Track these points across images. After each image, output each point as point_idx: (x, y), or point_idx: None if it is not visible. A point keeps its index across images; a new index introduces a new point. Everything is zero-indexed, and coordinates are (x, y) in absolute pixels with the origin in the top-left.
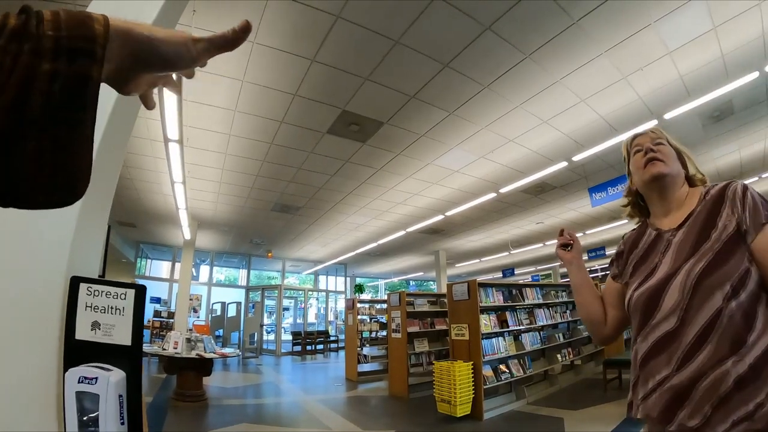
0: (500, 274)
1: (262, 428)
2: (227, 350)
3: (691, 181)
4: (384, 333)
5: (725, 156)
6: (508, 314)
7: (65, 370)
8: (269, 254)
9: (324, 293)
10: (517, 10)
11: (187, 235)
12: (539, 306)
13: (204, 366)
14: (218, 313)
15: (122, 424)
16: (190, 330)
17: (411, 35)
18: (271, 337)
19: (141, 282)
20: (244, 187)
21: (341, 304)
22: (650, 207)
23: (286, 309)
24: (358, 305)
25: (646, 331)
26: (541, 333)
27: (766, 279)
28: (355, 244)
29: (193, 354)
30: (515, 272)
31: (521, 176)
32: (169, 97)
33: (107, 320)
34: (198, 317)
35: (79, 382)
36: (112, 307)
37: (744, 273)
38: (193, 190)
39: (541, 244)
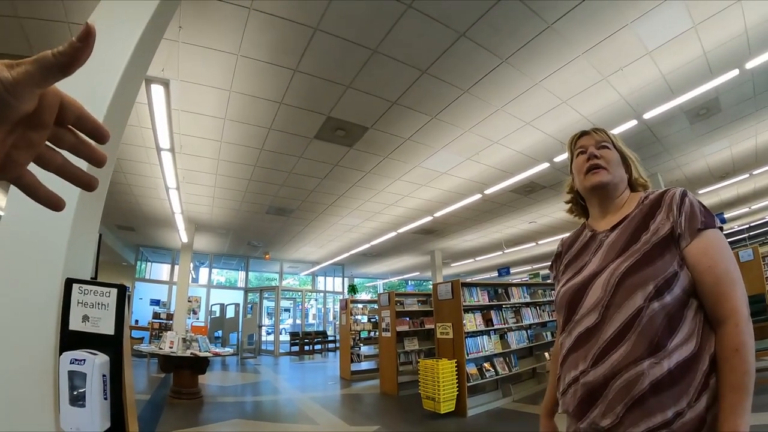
0: (496, 273)
1: (254, 424)
2: (223, 350)
3: (633, 185)
4: (376, 333)
5: (716, 153)
6: (493, 313)
7: (60, 354)
8: (267, 256)
9: (322, 294)
10: (490, 16)
11: (185, 239)
12: (526, 305)
13: (199, 364)
14: (217, 314)
15: (105, 399)
16: (188, 331)
17: (388, 44)
18: (271, 338)
19: (140, 284)
20: (239, 191)
21: (339, 305)
22: (589, 209)
23: (286, 310)
24: (354, 305)
25: (571, 326)
26: (529, 331)
27: (698, 284)
28: (350, 245)
29: (188, 353)
30: (510, 271)
31: (508, 176)
32: (159, 107)
33: (95, 314)
34: (197, 319)
35: (70, 363)
36: (98, 303)
37: (671, 276)
38: (188, 195)
39: (534, 243)
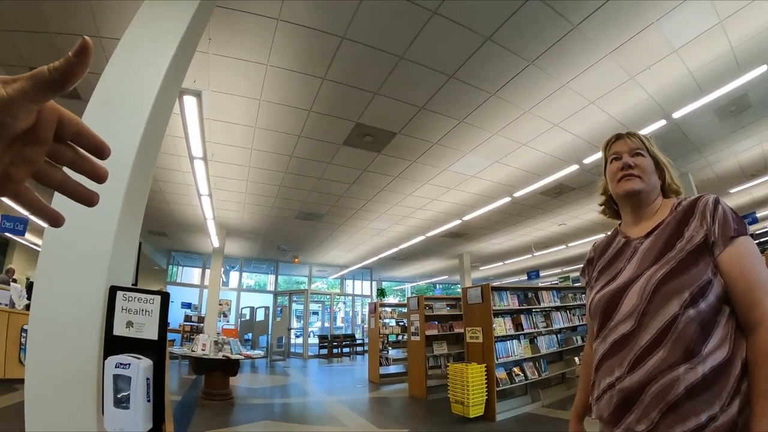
0: (525, 277)
1: (283, 426)
2: (253, 353)
3: (665, 191)
4: (406, 337)
5: (747, 150)
6: (523, 317)
7: (105, 358)
8: (296, 260)
9: (350, 297)
10: (515, 19)
11: (216, 243)
12: (556, 309)
13: (230, 367)
14: (247, 317)
15: (148, 401)
16: (218, 333)
17: (414, 50)
18: (299, 340)
19: (172, 288)
20: (269, 197)
21: (367, 308)
22: (622, 214)
23: (315, 313)
24: (382, 309)
25: (605, 332)
26: (559, 336)
27: (730, 291)
28: (378, 248)
29: (220, 355)
30: (540, 274)
31: (537, 179)
32: (191, 118)
33: (139, 320)
34: (227, 321)
35: (115, 367)
36: (142, 310)
37: (705, 284)
38: (219, 201)
39: (564, 246)
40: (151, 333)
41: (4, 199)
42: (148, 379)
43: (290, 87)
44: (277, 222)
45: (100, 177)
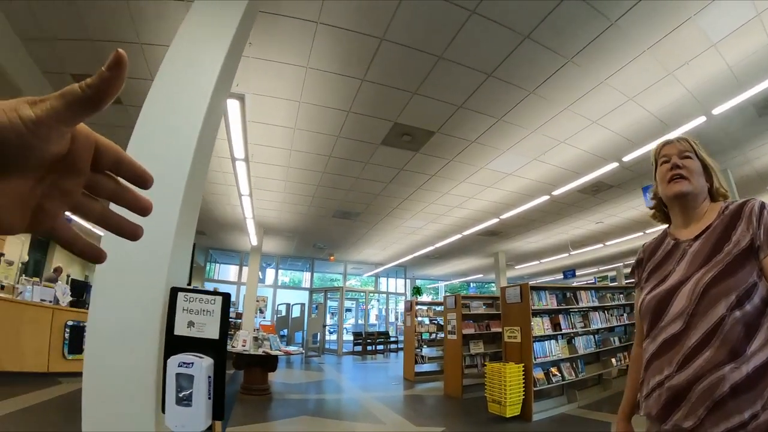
0: (561, 276)
1: (321, 421)
2: (291, 349)
3: (713, 195)
4: (442, 335)
5: None
6: (561, 317)
7: (166, 358)
8: (331, 258)
9: (384, 295)
10: (553, 16)
11: (254, 242)
12: (594, 309)
13: (270, 362)
14: (283, 313)
15: (210, 399)
16: (257, 330)
17: (453, 50)
18: (334, 337)
19: (209, 285)
20: (306, 197)
21: (401, 306)
22: (672, 217)
23: (348, 310)
24: (417, 307)
25: (655, 332)
26: (596, 336)
27: None
28: (413, 247)
29: (260, 351)
30: (576, 273)
31: (575, 176)
32: (234, 121)
33: (200, 320)
34: (264, 318)
35: (178, 366)
36: (204, 310)
37: (751, 286)
38: (259, 200)
39: (602, 245)
40: (213, 332)
41: None
42: (209, 377)
43: (330, 89)
44: (314, 221)
45: (144, 209)
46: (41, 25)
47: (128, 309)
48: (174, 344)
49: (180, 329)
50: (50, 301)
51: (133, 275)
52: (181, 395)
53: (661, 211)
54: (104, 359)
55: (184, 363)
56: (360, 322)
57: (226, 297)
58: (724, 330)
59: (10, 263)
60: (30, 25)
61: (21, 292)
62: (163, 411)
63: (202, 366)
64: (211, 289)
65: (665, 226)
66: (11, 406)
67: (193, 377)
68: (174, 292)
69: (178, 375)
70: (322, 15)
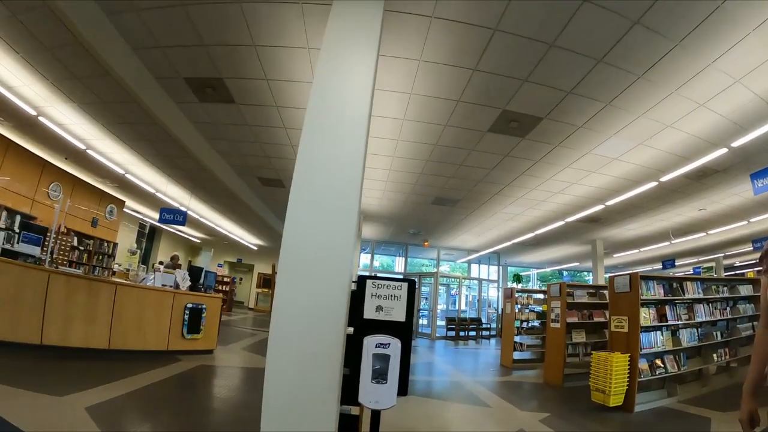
0: (660, 266)
1: (428, 402)
2: None
3: None
4: (537, 323)
5: None
6: (667, 308)
7: (359, 338)
8: (426, 243)
9: (477, 281)
10: (662, 1)
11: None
12: (699, 301)
13: None
14: None
15: (399, 376)
16: None
17: (564, 37)
18: (423, 321)
19: None
20: (408, 184)
21: (492, 293)
22: None
23: (439, 295)
24: (517, 295)
25: None
26: (699, 330)
27: None
28: (510, 234)
29: None
30: (675, 263)
31: (682, 161)
32: None
33: (388, 304)
34: None
35: (375, 347)
36: (391, 296)
37: None
38: (363, 189)
39: (704, 233)
40: (399, 316)
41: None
42: (400, 356)
43: (441, 80)
44: (413, 207)
45: None
46: (153, 34)
47: (325, 298)
48: (364, 326)
49: (369, 313)
50: (171, 286)
51: (320, 269)
52: (375, 371)
53: None
54: (289, 342)
55: (381, 344)
56: (450, 307)
57: (411, 284)
58: None
59: (134, 252)
60: (142, 35)
61: (143, 279)
62: (351, 389)
63: (397, 346)
64: (405, 279)
65: None
66: (139, 382)
67: (389, 356)
68: (362, 280)
69: (374, 355)
70: (436, 9)
